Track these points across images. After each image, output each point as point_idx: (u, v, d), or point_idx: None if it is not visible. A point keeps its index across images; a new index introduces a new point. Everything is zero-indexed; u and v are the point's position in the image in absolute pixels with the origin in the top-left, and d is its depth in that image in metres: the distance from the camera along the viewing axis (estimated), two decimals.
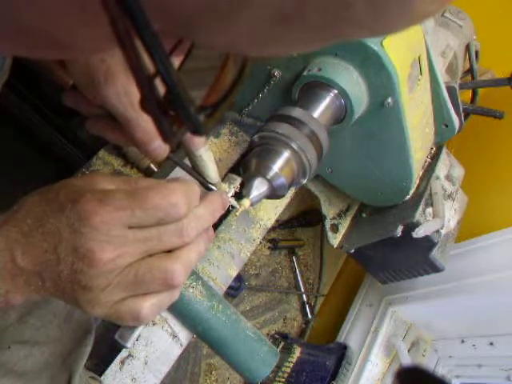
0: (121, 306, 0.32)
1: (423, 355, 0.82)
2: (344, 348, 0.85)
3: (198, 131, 0.20)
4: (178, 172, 0.61)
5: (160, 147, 0.44)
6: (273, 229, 1.04)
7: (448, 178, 0.65)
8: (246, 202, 0.40)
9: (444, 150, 0.64)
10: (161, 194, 0.30)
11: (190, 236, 0.32)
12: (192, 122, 0.19)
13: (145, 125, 0.43)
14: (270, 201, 0.65)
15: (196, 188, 0.33)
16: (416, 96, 0.51)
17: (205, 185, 0.44)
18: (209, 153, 0.44)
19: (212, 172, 0.45)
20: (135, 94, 0.42)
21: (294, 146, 0.42)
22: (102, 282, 0.30)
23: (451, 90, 0.57)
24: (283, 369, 0.87)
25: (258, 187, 0.41)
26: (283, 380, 0.85)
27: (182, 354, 0.57)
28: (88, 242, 0.30)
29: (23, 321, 0.43)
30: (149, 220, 0.31)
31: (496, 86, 0.67)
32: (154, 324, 0.55)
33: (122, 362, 0.53)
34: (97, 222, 0.29)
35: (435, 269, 0.63)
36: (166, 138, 0.20)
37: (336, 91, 0.46)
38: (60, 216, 0.30)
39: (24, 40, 0.21)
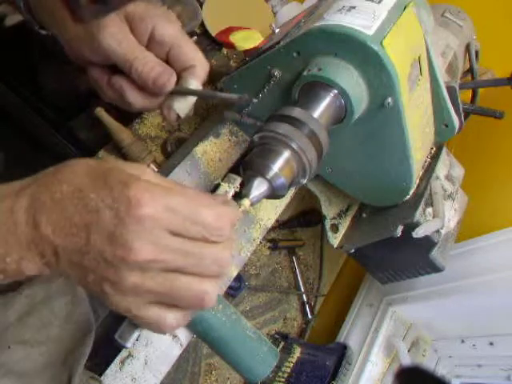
0: (146, 311, 0.30)
1: (423, 355, 0.82)
2: (344, 348, 0.85)
3: None
4: (178, 171, 0.60)
5: (163, 73, 0.45)
6: (273, 229, 1.04)
7: (448, 177, 0.65)
8: (246, 202, 0.40)
9: (444, 150, 0.64)
10: (214, 215, 0.30)
11: (227, 263, 0.31)
12: None
13: (144, 58, 0.44)
14: (269, 201, 0.65)
15: (238, 216, 0.33)
16: (416, 96, 0.51)
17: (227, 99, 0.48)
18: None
19: None
20: (129, 39, 0.44)
21: (294, 145, 0.42)
22: (132, 281, 0.28)
23: (451, 90, 0.57)
24: (283, 369, 0.87)
25: (258, 187, 0.41)
26: (283, 380, 0.85)
27: (182, 353, 0.57)
28: (129, 234, 0.27)
29: (23, 321, 0.43)
30: (192, 234, 0.29)
31: (496, 86, 0.67)
32: None
33: (122, 362, 0.53)
34: (145, 214, 0.27)
35: (435, 269, 0.63)
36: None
37: (336, 91, 0.46)
38: (105, 195, 0.28)
39: None
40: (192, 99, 0.49)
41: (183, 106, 0.48)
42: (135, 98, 0.47)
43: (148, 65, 0.44)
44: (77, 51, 0.46)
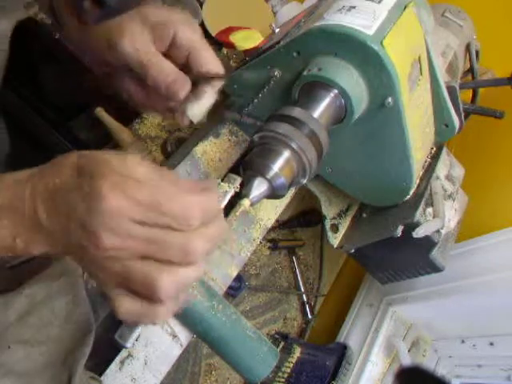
0: (113, 291, 0.32)
1: (423, 355, 0.82)
2: (344, 348, 0.85)
3: None
4: (178, 171, 0.60)
5: (177, 80, 0.45)
6: (273, 229, 1.04)
7: (448, 177, 0.65)
8: (246, 202, 0.40)
9: (444, 150, 0.64)
10: (180, 205, 0.30)
11: (195, 257, 0.31)
12: None
13: (160, 65, 0.45)
14: (269, 201, 0.65)
15: (215, 204, 0.33)
16: (416, 96, 0.51)
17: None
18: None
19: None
20: (146, 44, 0.45)
21: (294, 145, 0.42)
22: (106, 265, 0.31)
23: (451, 90, 0.57)
24: (283, 369, 0.87)
25: (258, 187, 0.41)
26: (283, 380, 0.85)
27: (182, 353, 0.57)
28: (95, 225, 0.29)
29: (23, 321, 0.43)
30: (159, 223, 0.30)
31: (496, 86, 0.67)
32: (153, 324, 0.55)
33: (122, 362, 0.53)
34: (109, 206, 0.29)
35: (435, 269, 0.63)
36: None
37: (336, 91, 0.46)
38: (79, 188, 0.30)
39: None
40: (206, 105, 0.49)
41: (197, 112, 0.49)
42: (143, 100, 0.49)
43: (163, 71, 0.44)
44: (98, 54, 0.47)
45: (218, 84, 0.49)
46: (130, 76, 0.49)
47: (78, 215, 0.30)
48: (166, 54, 0.46)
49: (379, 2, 0.48)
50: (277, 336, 0.97)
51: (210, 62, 0.47)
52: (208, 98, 0.49)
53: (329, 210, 0.70)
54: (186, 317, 0.54)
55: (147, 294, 0.31)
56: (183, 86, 0.45)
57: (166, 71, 0.45)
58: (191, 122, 0.50)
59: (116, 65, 0.46)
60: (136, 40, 0.44)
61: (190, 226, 0.31)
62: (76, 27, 0.47)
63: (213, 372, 0.90)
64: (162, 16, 0.46)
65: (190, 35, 0.46)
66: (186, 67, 0.47)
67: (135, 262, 0.31)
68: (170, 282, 0.30)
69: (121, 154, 0.33)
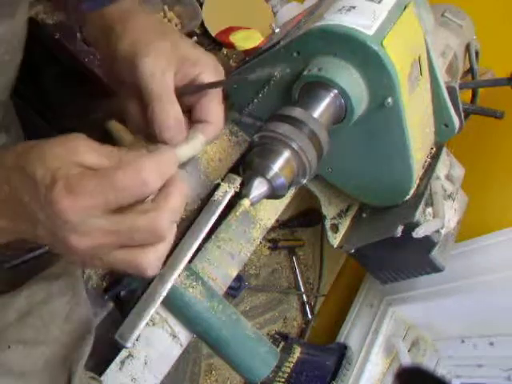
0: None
1: (423, 355, 0.82)
2: (344, 348, 0.85)
3: None
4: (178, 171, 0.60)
5: (174, 129, 0.43)
6: (273, 229, 1.04)
7: (448, 177, 0.65)
8: (245, 202, 0.40)
9: (444, 150, 0.64)
10: (129, 174, 0.30)
11: (164, 233, 0.31)
12: None
13: (165, 104, 0.42)
14: (269, 201, 0.65)
15: (169, 158, 0.33)
16: (416, 96, 0.51)
17: None
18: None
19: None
20: (164, 75, 0.42)
21: (294, 145, 0.42)
22: (87, 263, 0.33)
23: (451, 90, 0.57)
24: (283, 369, 0.87)
25: (258, 187, 0.41)
26: (283, 380, 0.85)
27: (182, 354, 0.57)
28: (63, 232, 0.30)
29: (23, 321, 0.43)
30: (124, 202, 0.30)
31: (496, 86, 0.67)
32: (153, 324, 0.55)
33: (122, 362, 0.53)
34: (69, 215, 0.29)
35: (435, 269, 0.63)
36: None
37: (336, 91, 0.46)
38: (35, 198, 0.30)
39: None
40: (193, 152, 0.48)
41: (182, 156, 0.48)
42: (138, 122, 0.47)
43: (165, 113, 0.42)
44: (117, 70, 0.45)
45: (213, 136, 0.48)
46: (134, 93, 0.46)
47: (43, 223, 0.30)
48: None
49: (379, 2, 0.48)
50: (277, 336, 0.97)
51: (213, 114, 0.46)
52: (196, 146, 0.48)
53: (329, 210, 0.70)
54: (186, 317, 0.54)
55: (137, 275, 0.33)
56: (177, 137, 0.44)
57: (168, 114, 0.42)
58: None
59: (128, 81, 0.44)
60: (156, 68, 0.41)
61: (149, 191, 0.31)
62: (106, 41, 0.45)
63: (213, 372, 0.90)
64: (194, 54, 0.45)
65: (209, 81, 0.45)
66: (189, 108, 0.46)
67: (113, 254, 0.32)
68: (153, 260, 0.32)
69: (64, 138, 0.32)
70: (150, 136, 0.46)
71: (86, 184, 0.29)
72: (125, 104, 0.47)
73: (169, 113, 0.43)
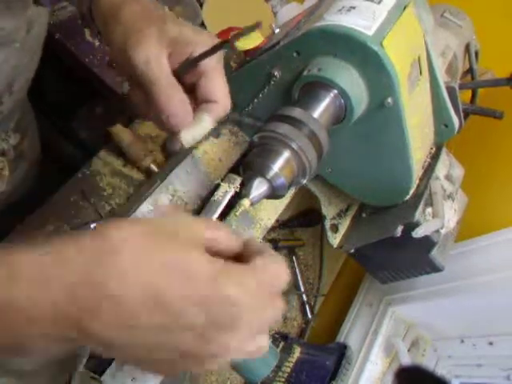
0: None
1: (423, 355, 0.82)
2: (344, 348, 0.85)
3: None
4: (178, 171, 0.61)
5: (180, 113, 0.43)
6: (273, 229, 1.04)
7: (448, 177, 0.65)
8: (245, 202, 0.40)
9: (444, 150, 0.64)
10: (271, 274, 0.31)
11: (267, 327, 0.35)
12: None
13: (167, 89, 0.42)
14: (269, 201, 0.65)
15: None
16: (416, 96, 0.51)
17: None
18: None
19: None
20: (160, 62, 0.42)
21: (294, 146, 0.42)
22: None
23: (451, 90, 0.57)
24: (283, 369, 0.87)
25: (258, 187, 0.41)
26: (283, 380, 0.85)
27: None
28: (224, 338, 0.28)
29: None
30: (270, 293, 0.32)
31: (496, 86, 0.67)
32: None
33: None
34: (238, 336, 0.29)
35: (435, 269, 0.63)
36: None
37: (336, 91, 0.46)
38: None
39: None
40: (201, 133, 0.48)
41: (190, 139, 0.48)
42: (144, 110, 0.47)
43: (168, 97, 0.42)
44: (119, 62, 0.45)
45: (221, 114, 0.47)
46: (137, 85, 0.46)
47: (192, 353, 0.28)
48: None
49: (379, 3, 0.48)
50: (277, 336, 0.97)
51: (218, 93, 0.45)
52: (205, 126, 0.47)
53: (329, 210, 0.70)
54: None
55: None
56: (183, 121, 0.44)
57: (172, 98, 0.42)
58: (182, 145, 0.48)
59: (127, 71, 0.44)
60: (150, 56, 0.41)
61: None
62: (108, 32, 0.45)
63: (213, 372, 0.90)
64: (183, 33, 0.44)
65: (207, 60, 0.44)
66: (194, 89, 0.46)
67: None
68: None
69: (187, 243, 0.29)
70: (158, 122, 0.46)
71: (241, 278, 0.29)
72: (129, 94, 0.47)
73: (172, 97, 0.42)
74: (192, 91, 0.46)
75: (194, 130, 0.47)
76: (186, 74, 0.45)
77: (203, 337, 0.27)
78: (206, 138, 0.50)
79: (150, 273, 0.26)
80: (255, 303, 0.29)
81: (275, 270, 0.31)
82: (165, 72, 0.43)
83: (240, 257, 0.33)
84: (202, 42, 0.45)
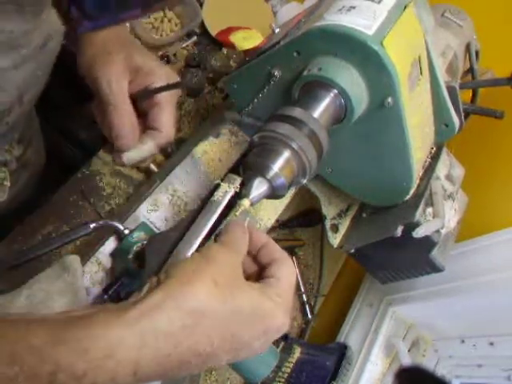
0: None
1: (423, 355, 0.82)
2: (344, 348, 0.84)
3: None
4: (178, 171, 0.60)
5: (127, 137, 0.49)
6: (273, 229, 1.04)
7: (448, 177, 0.65)
8: (245, 202, 0.40)
9: (444, 150, 0.64)
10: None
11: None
12: None
13: (121, 113, 0.48)
14: (269, 201, 0.65)
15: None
16: (416, 96, 0.51)
17: None
18: None
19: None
20: (119, 85, 0.47)
21: (294, 145, 0.42)
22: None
23: (451, 90, 0.57)
24: (283, 369, 0.87)
25: (258, 187, 0.41)
26: (283, 380, 0.85)
27: None
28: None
29: None
30: None
31: (496, 86, 0.67)
32: None
33: None
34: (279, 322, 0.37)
35: (435, 269, 0.63)
36: None
37: (336, 91, 0.46)
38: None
39: None
40: (143, 155, 0.53)
41: (132, 157, 0.53)
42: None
43: (120, 121, 0.48)
44: (88, 79, 0.50)
45: (162, 143, 0.53)
46: (98, 100, 0.51)
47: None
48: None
49: (379, 2, 0.48)
50: None
51: (165, 124, 0.51)
52: (147, 150, 0.52)
53: (329, 210, 0.69)
54: None
55: None
56: (129, 144, 0.50)
57: (123, 123, 0.48)
58: (123, 163, 0.54)
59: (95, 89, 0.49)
60: (111, 78, 0.46)
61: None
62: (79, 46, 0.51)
63: (213, 372, 0.90)
64: (147, 64, 0.49)
65: (164, 93, 0.49)
66: (145, 114, 0.51)
67: None
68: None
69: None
70: (109, 137, 0.52)
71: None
72: (92, 107, 0.52)
73: (124, 120, 0.48)
74: (143, 116, 0.51)
75: (137, 151, 0.52)
76: (142, 101, 0.50)
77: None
78: (148, 157, 0.56)
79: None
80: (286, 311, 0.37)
81: (292, 277, 0.39)
82: (122, 95, 0.48)
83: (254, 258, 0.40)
84: (163, 75, 0.50)
